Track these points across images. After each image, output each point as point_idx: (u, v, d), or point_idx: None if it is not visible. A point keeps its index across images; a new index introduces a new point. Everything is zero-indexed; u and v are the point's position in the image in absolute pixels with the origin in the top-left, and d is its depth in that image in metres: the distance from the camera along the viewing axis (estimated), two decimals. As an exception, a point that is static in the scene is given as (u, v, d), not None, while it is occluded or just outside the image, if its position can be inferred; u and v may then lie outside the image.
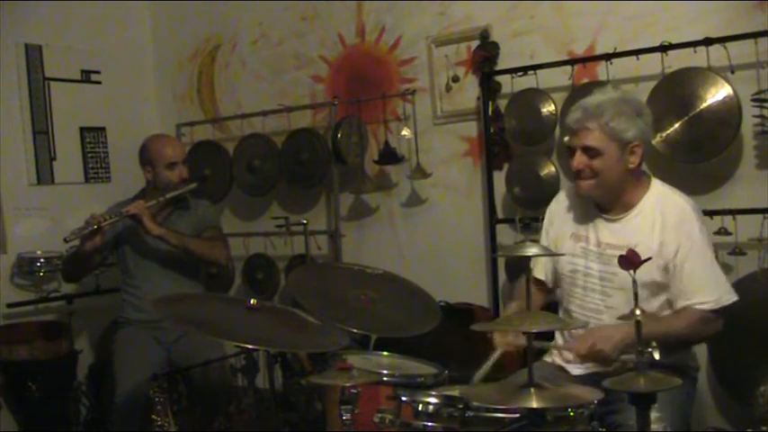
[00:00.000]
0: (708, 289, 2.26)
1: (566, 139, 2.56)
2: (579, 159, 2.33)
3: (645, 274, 2.12)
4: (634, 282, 1.72)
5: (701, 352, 2.92)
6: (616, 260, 2.19)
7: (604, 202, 2.39)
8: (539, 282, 2.60)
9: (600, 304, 2.37)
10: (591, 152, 2.30)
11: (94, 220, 3.23)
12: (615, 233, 2.35)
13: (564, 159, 3.36)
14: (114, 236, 3.47)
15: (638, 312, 1.66)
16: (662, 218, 2.30)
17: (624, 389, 1.65)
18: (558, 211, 2.57)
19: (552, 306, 2.64)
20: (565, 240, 2.48)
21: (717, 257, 2.43)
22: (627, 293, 2.24)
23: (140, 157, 3.55)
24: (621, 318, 1.85)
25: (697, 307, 2.25)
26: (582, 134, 2.31)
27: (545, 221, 2.63)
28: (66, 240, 3.30)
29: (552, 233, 2.57)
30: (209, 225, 3.59)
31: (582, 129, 2.31)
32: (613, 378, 1.70)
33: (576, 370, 2.40)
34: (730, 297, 2.28)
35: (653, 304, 2.31)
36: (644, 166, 2.42)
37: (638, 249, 2.00)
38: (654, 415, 1.69)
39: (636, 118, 2.29)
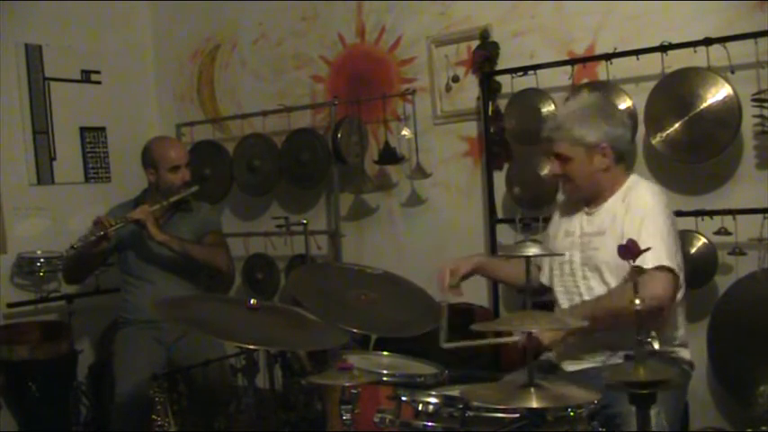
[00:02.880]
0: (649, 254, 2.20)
1: None
2: (552, 166, 2.55)
3: (611, 257, 2.21)
4: (633, 272, 1.73)
5: (700, 352, 2.93)
6: (593, 245, 2.43)
7: (586, 199, 2.55)
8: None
9: (581, 286, 2.48)
10: (561, 158, 2.48)
11: (101, 225, 3.25)
12: (591, 223, 2.51)
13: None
14: (117, 238, 3.48)
15: (637, 302, 1.65)
16: (626, 206, 2.42)
17: (623, 379, 1.63)
18: (559, 207, 2.73)
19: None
20: (559, 237, 2.61)
21: (680, 245, 2.45)
22: (601, 274, 2.42)
23: (143, 160, 3.55)
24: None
25: (642, 265, 2.17)
26: (552, 143, 2.50)
27: (554, 216, 2.76)
28: (73, 247, 3.32)
29: (552, 229, 2.70)
30: (211, 230, 3.59)
31: (552, 138, 2.50)
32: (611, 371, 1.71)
33: (569, 366, 2.42)
34: (671, 263, 2.26)
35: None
36: (625, 166, 2.55)
37: (606, 235, 2.40)
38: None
39: (601, 122, 2.43)
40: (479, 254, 2.91)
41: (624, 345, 2.25)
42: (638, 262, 2.14)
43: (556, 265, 2.58)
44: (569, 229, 2.57)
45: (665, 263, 2.26)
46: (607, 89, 3.12)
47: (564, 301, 2.53)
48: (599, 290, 2.41)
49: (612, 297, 2.31)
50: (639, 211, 2.37)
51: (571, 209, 2.61)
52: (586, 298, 2.44)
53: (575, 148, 2.44)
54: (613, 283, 2.38)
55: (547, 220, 2.94)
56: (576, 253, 2.51)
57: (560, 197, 2.80)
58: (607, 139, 2.43)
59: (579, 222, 2.55)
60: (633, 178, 2.52)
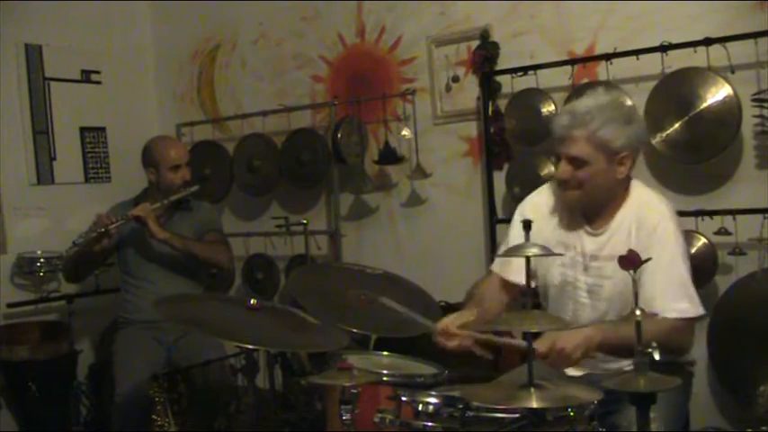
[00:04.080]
0: (676, 297, 2.15)
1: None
2: (564, 169, 2.21)
3: (620, 281, 2.09)
4: (634, 282, 1.72)
5: (700, 352, 2.93)
6: (602, 272, 2.20)
7: (590, 211, 2.29)
8: (507, 284, 2.44)
9: (591, 314, 2.29)
10: (576, 162, 2.18)
11: (102, 223, 3.25)
12: (599, 245, 2.26)
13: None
14: (117, 237, 3.48)
15: (637, 313, 1.66)
16: (637, 225, 2.20)
17: (624, 388, 1.65)
18: (541, 210, 2.39)
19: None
20: (552, 246, 2.28)
21: (691, 266, 2.24)
22: (611, 303, 2.24)
23: (143, 159, 3.55)
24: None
25: (666, 315, 2.12)
26: (568, 143, 2.19)
27: (524, 211, 2.43)
28: (75, 244, 3.33)
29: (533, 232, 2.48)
30: (212, 228, 3.59)
31: (568, 137, 2.18)
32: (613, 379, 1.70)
33: (571, 371, 2.40)
34: (698, 310, 2.16)
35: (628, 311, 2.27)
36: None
37: (613, 263, 1.99)
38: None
39: (626, 126, 2.16)
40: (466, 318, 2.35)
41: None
42: (661, 311, 2.08)
43: (556, 283, 2.34)
44: (568, 243, 2.30)
45: (691, 314, 2.14)
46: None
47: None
48: (610, 318, 2.19)
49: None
50: (662, 245, 2.13)
51: (567, 217, 2.32)
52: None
53: (596, 153, 2.14)
54: (624, 312, 2.14)
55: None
56: (580, 276, 2.28)
57: (545, 192, 2.44)
58: (631, 147, 2.16)
59: (581, 239, 2.28)
60: (638, 189, 2.27)
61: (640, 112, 3.05)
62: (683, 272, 2.17)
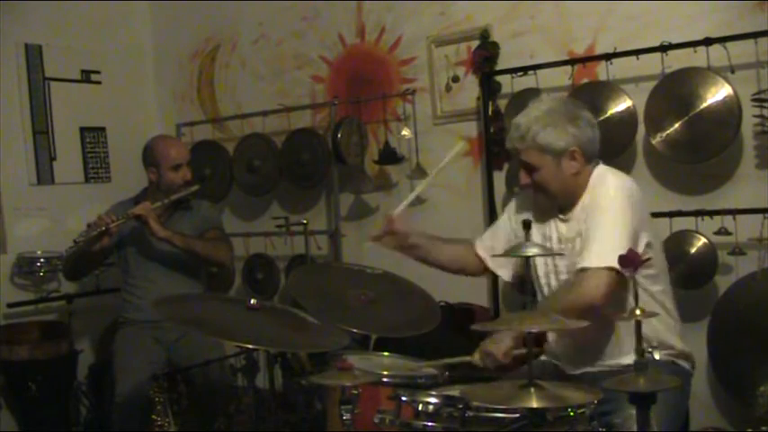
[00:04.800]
0: (600, 252, 2.19)
1: None
2: (522, 175, 2.42)
3: (575, 254, 2.25)
4: (634, 282, 1.72)
5: (700, 352, 2.93)
6: (573, 252, 2.31)
7: (561, 205, 2.42)
8: (482, 263, 2.66)
9: None
10: (529, 168, 2.37)
11: (102, 222, 3.24)
12: (568, 228, 2.40)
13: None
14: (117, 236, 3.47)
15: (637, 312, 1.66)
16: (590, 199, 2.33)
17: (624, 388, 1.65)
18: (526, 204, 2.56)
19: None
20: (537, 241, 2.44)
21: (628, 229, 2.24)
22: None
23: (144, 158, 3.55)
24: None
25: (584, 265, 2.21)
26: (518, 153, 2.39)
27: (512, 207, 2.63)
28: (75, 242, 3.32)
29: (516, 227, 2.55)
30: (212, 226, 3.60)
31: (516, 148, 2.39)
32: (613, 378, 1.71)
33: (570, 369, 2.41)
34: (613, 262, 2.10)
35: None
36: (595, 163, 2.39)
37: (580, 239, 2.29)
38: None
39: (567, 125, 2.31)
40: (424, 233, 2.75)
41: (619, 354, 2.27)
42: (583, 259, 2.21)
43: (541, 274, 2.47)
44: (546, 234, 2.45)
45: (608, 262, 2.13)
46: (607, 89, 3.13)
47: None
48: None
49: (558, 298, 2.28)
50: (597, 207, 2.27)
51: (542, 209, 2.47)
52: None
53: (543, 156, 2.33)
54: None
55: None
56: (558, 262, 2.41)
57: (518, 197, 2.67)
58: (576, 143, 2.32)
59: (555, 228, 2.43)
60: (599, 171, 2.38)
61: (640, 112, 3.07)
62: (612, 232, 2.22)
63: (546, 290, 2.47)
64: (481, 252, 2.66)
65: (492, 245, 2.62)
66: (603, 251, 2.16)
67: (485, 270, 2.69)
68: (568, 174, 2.34)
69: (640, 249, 2.20)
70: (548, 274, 2.46)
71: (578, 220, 2.35)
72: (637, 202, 2.30)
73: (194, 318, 2.43)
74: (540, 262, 2.46)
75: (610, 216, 2.24)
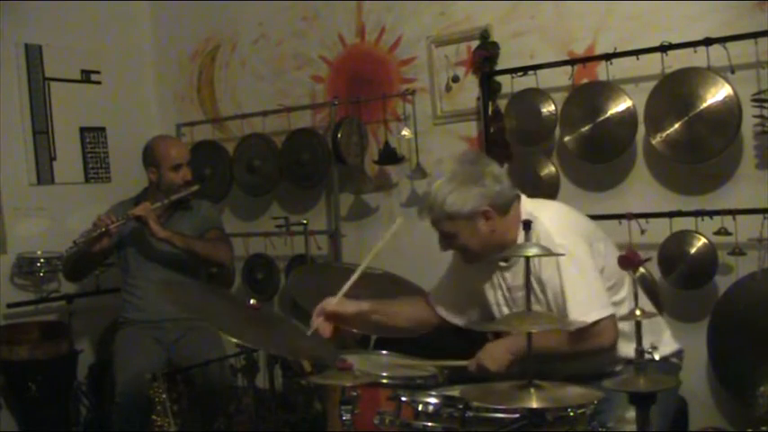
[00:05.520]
0: (589, 306, 2.19)
1: None
2: (442, 244, 2.39)
3: (552, 301, 2.23)
4: (634, 282, 1.72)
5: (700, 352, 2.93)
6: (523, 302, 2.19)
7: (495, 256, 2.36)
8: (436, 314, 2.59)
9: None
10: (447, 236, 2.33)
11: (102, 223, 3.25)
12: (513, 276, 2.36)
13: (564, 159, 3.36)
14: (117, 237, 3.48)
15: (637, 313, 1.66)
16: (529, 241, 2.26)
17: (624, 388, 1.65)
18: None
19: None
20: (486, 289, 2.45)
21: (598, 271, 2.26)
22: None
23: (144, 158, 3.55)
24: None
25: (592, 319, 2.17)
26: (434, 226, 2.35)
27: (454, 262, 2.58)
28: (75, 243, 3.33)
29: (466, 278, 2.52)
30: (212, 226, 3.60)
31: (431, 222, 2.35)
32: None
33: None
34: (601, 312, 2.18)
35: None
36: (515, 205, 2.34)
37: (536, 285, 2.23)
38: (629, 415, 1.69)
39: (472, 186, 2.25)
40: (369, 301, 2.59)
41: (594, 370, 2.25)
42: (582, 314, 2.14)
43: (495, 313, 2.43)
44: (495, 283, 2.41)
45: (603, 313, 2.16)
46: (607, 89, 3.13)
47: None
48: None
49: (550, 339, 2.19)
50: (553, 262, 2.18)
51: (485, 263, 2.41)
52: None
53: (455, 223, 2.27)
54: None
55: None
56: (514, 309, 2.37)
57: None
58: (485, 203, 2.26)
59: (501, 278, 2.39)
60: (526, 209, 2.32)
61: (640, 112, 3.07)
62: (579, 270, 2.21)
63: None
64: (443, 313, 2.57)
65: (453, 301, 2.56)
66: (591, 301, 2.18)
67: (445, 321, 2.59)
68: (486, 233, 2.29)
69: (601, 262, 2.26)
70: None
71: (521, 266, 2.24)
72: (576, 227, 2.31)
73: (196, 305, 2.42)
74: (495, 311, 2.43)
75: (574, 268, 2.19)
